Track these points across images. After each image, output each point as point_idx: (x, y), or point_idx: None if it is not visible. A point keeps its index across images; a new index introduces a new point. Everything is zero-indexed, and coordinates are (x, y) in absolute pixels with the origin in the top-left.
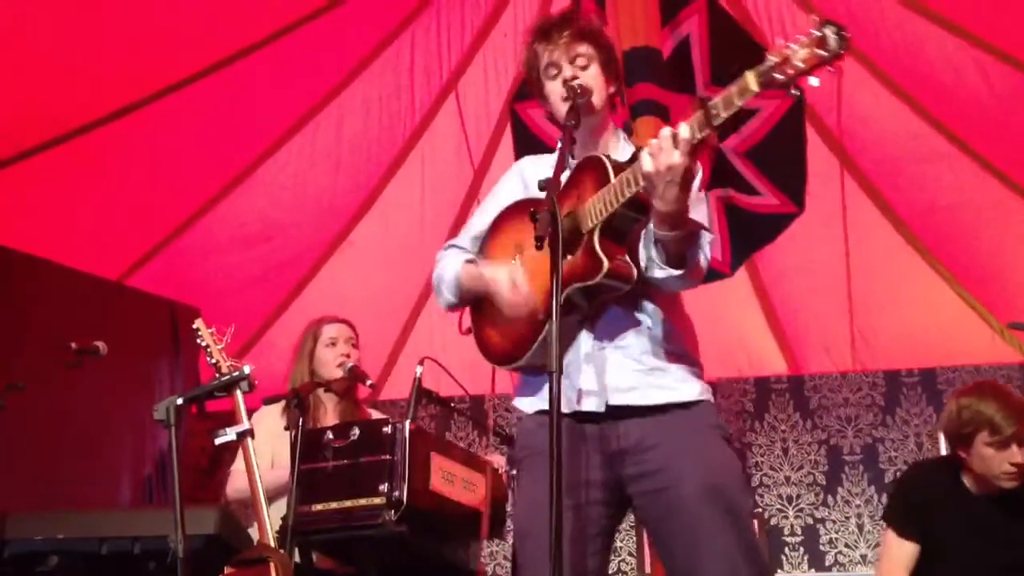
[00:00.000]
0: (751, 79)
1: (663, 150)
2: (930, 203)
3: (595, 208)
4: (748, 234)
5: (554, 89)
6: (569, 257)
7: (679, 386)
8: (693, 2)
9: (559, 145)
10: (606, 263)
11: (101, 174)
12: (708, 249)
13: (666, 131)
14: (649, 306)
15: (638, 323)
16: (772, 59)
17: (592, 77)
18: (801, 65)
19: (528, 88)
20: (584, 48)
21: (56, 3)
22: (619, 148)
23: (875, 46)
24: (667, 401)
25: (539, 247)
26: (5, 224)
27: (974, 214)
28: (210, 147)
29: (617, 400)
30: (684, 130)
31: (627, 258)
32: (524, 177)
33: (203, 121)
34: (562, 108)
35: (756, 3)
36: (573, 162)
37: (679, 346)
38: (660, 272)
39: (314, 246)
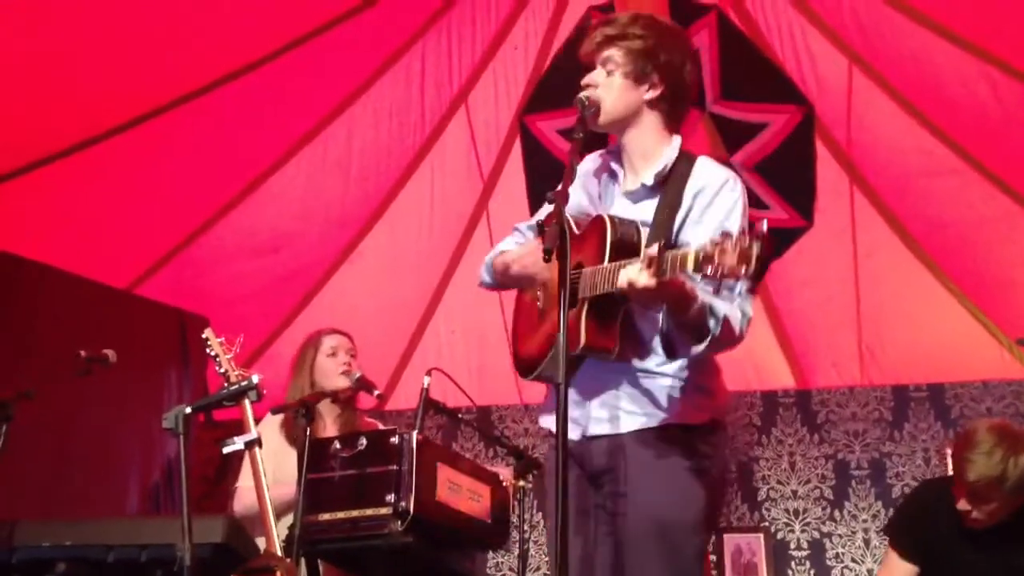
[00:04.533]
0: (690, 259)
1: (634, 277)
2: (939, 218)
3: (588, 282)
4: None
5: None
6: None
7: (651, 410)
8: (703, 16)
9: (603, 150)
10: (583, 339)
11: (112, 184)
12: (738, 316)
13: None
14: (647, 344)
15: (631, 363)
16: (708, 248)
17: (609, 87)
18: (725, 269)
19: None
20: (612, 53)
21: (68, 12)
22: (662, 153)
23: (884, 60)
24: (633, 429)
25: (547, 259)
26: (16, 233)
27: (983, 229)
28: (221, 157)
29: (592, 431)
30: (643, 277)
31: (615, 332)
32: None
33: (214, 132)
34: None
35: (767, 18)
36: (621, 176)
37: (669, 367)
38: (685, 352)
39: (323, 256)
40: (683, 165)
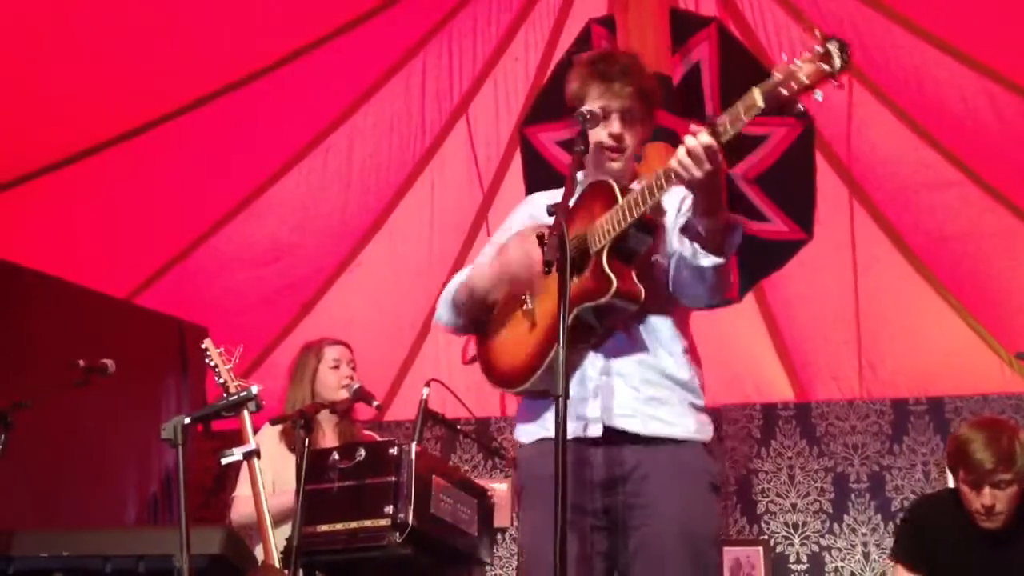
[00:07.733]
0: (757, 95)
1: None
2: (939, 231)
3: (603, 228)
4: (756, 260)
5: (596, 135)
6: (577, 278)
7: (676, 420)
8: (704, 29)
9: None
10: (615, 282)
11: (112, 193)
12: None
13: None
14: (654, 335)
15: (641, 351)
16: (777, 75)
17: (632, 134)
18: (805, 80)
19: (567, 108)
20: (635, 106)
21: (68, 23)
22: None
23: (885, 74)
24: (662, 435)
25: (547, 272)
26: (16, 241)
27: (983, 243)
28: (221, 167)
29: (615, 423)
30: (703, 137)
31: (635, 278)
32: (535, 214)
33: (214, 142)
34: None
35: (767, 31)
36: (583, 181)
37: (681, 376)
38: (706, 260)
39: (323, 267)
40: None
